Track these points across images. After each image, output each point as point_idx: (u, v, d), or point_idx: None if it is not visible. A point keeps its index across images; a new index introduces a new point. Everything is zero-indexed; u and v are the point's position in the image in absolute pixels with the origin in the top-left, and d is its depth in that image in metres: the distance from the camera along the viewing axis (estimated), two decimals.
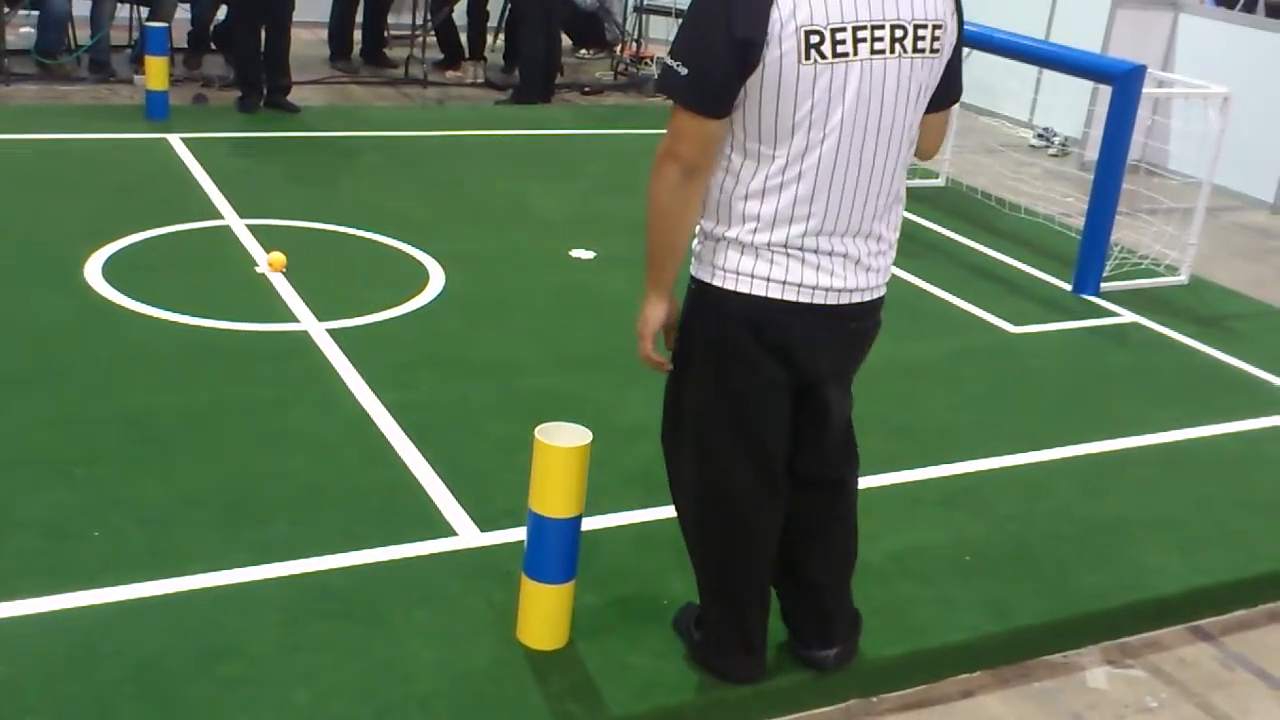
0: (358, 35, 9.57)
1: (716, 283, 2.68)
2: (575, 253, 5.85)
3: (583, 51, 10.82)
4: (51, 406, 4.01)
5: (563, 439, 2.87)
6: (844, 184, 2.59)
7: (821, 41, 2.45)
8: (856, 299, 2.71)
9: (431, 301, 5.13)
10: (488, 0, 9.87)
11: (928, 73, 2.60)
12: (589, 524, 3.12)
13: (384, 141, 7.52)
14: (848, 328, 2.75)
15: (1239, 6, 9.51)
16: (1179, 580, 3.71)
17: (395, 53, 9.64)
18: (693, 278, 2.76)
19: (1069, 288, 6.06)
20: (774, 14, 2.42)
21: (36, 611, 3.04)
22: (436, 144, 7.61)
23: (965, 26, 2.76)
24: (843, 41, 2.47)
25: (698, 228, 2.74)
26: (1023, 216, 6.97)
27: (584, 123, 8.59)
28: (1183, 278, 6.33)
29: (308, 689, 2.87)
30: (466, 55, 9.87)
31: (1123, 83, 5.70)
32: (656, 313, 2.77)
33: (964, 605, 3.45)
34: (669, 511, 3.71)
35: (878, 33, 2.50)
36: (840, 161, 2.57)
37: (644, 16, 10.72)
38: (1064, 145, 9.07)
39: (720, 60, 2.46)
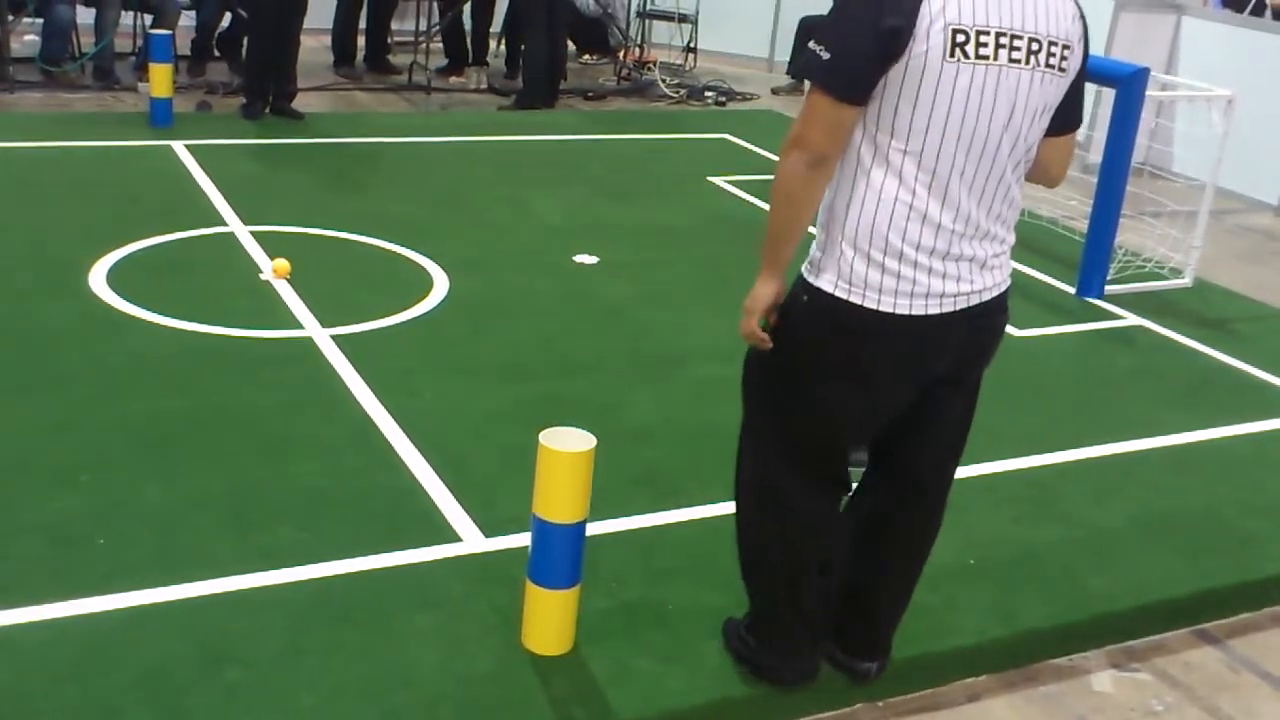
0: (361, 41, 9.59)
1: (840, 294, 2.66)
2: (579, 258, 5.86)
3: (586, 57, 10.83)
4: (56, 412, 4.01)
5: (567, 444, 2.87)
6: (970, 186, 2.61)
7: (966, 41, 2.49)
8: (986, 297, 2.73)
9: (435, 307, 5.13)
10: (494, 3, 9.89)
11: (1055, 90, 2.63)
12: (593, 529, 3.12)
13: (387, 147, 7.53)
14: (977, 325, 2.76)
15: (1248, 10, 9.50)
16: (1184, 583, 3.70)
17: (399, 59, 9.65)
18: (808, 284, 2.72)
19: (1073, 291, 6.06)
20: (924, 8, 2.46)
21: (42, 618, 3.04)
22: (440, 150, 7.62)
23: None
24: (985, 44, 2.50)
25: (820, 229, 2.73)
26: (1026, 220, 6.94)
27: (587, 128, 8.60)
28: (1187, 280, 6.33)
29: (313, 694, 2.87)
30: (470, 60, 9.89)
31: (1126, 86, 5.70)
32: (768, 291, 2.75)
33: (969, 609, 3.45)
34: (674, 516, 3.74)
35: (1016, 42, 2.53)
36: (970, 163, 2.59)
37: (647, 21, 10.73)
38: None
39: (864, 46, 2.48)
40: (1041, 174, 2.85)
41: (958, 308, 2.69)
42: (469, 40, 9.93)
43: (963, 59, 2.50)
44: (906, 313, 2.65)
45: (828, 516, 2.97)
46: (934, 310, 2.67)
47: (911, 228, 2.61)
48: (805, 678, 3.08)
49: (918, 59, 2.49)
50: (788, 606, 3.02)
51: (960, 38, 2.49)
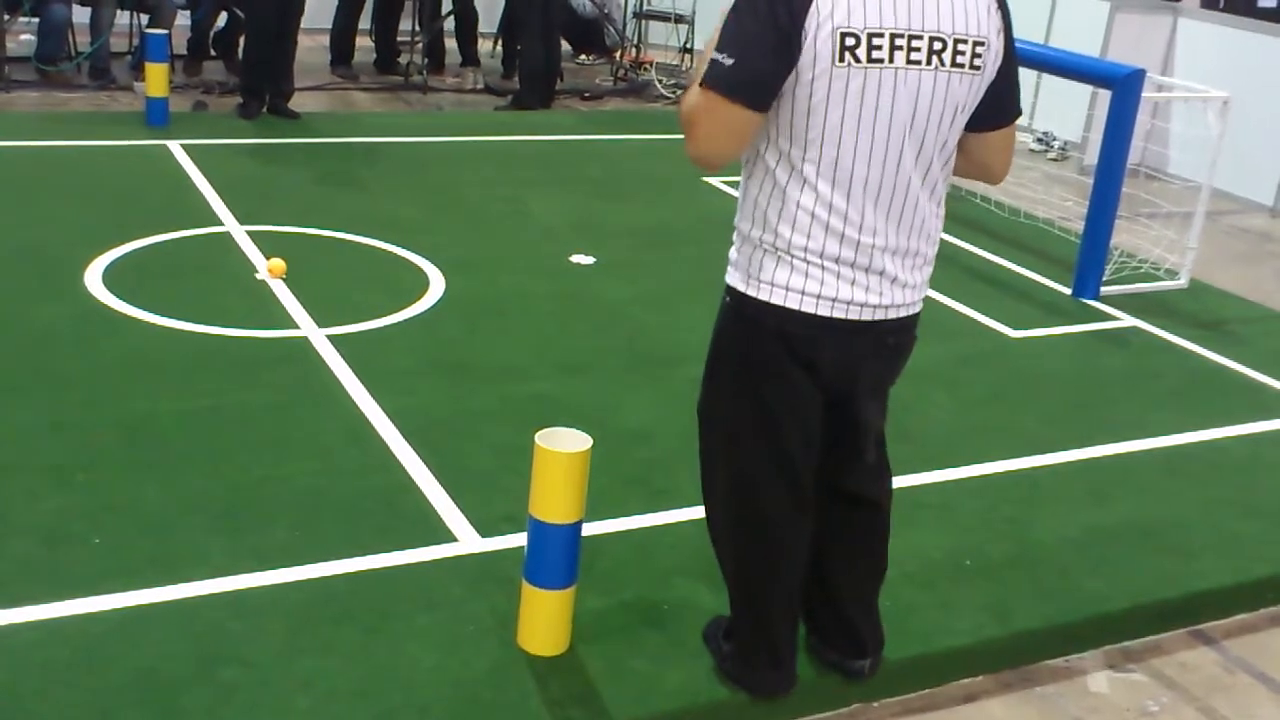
0: (359, 42, 9.57)
1: (751, 293, 2.67)
2: (575, 258, 5.85)
3: (582, 57, 10.83)
4: (51, 412, 4.01)
5: (563, 444, 2.87)
6: (878, 194, 2.57)
7: (857, 45, 2.43)
8: (893, 315, 2.70)
9: (431, 307, 5.13)
10: (472, 6, 9.87)
11: (966, 89, 2.56)
12: (589, 529, 3.12)
13: (384, 147, 7.53)
14: (885, 343, 2.74)
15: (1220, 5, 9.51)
16: (1180, 584, 3.70)
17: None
18: (728, 287, 2.75)
19: (1069, 292, 6.07)
20: (812, 10, 2.41)
21: (36, 618, 3.04)
22: (437, 150, 7.62)
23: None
24: (879, 47, 2.44)
25: (735, 232, 2.73)
26: (1022, 221, 6.97)
27: (584, 128, 8.60)
28: (1182, 281, 6.33)
29: (308, 695, 2.86)
30: (445, 62, 9.85)
31: (1122, 87, 5.71)
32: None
33: (965, 609, 3.45)
34: (670, 516, 3.74)
35: (915, 43, 2.46)
36: (873, 172, 2.54)
37: (643, 22, 10.74)
38: (1064, 149, 9.07)
39: (765, 49, 2.44)
40: (981, 171, 2.79)
41: (863, 318, 2.66)
42: (464, 44, 9.93)
43: (854, 63, 2.44)
44: (812, 311, 2.63)
45: (794, 535, 2.90)
46: (839, 314, 2.64)
47: (816, 235, 2.59)
48: (771, 691, 3.04)
49: (807, 66, 2.44)
50: (749, 620, 3.00)
51: (850, 41, 2.42)
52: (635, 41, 10.70)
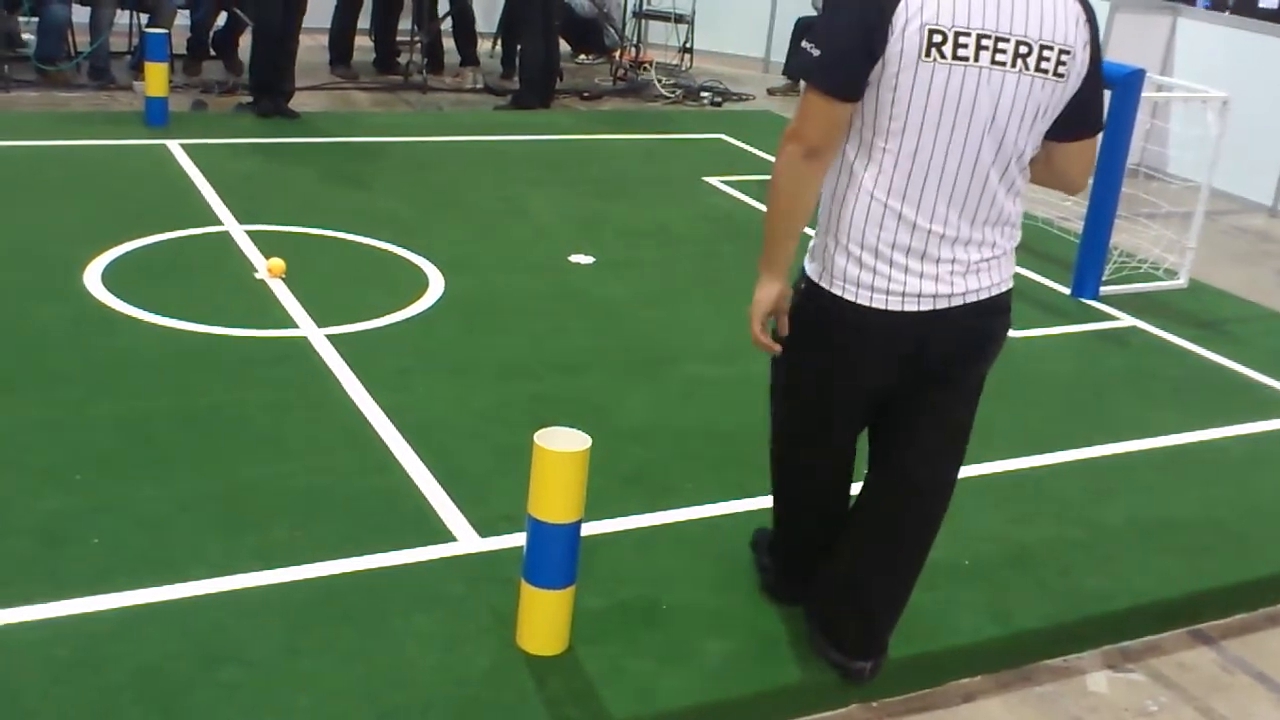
0: (358, 42, 9.57)
1: (824, 285, 2.75)
2: (574, 258, 5.85)
3: (581, 57, 10.83)
4: (50, 411, 4.01)
5: (562, 444, 2.87)
6: (953, 187, 2.63)
7: (944, 41, 2.51)
8: (970, 299, 2.74)
9: (430, 307, 5.13)
10: (471, 8, 9.86)
11: (1048, 95, 2.62)
12: (588, 529, 3.12)
13: (383, 147, 7.52)
14: (960, 326, 2.77)
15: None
16: (1179, 584, 3.71)
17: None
18: (802, 268, 2.85)
19: (1068, 291, 6.07)
20: (901, 7, 2.49)
21: (36, 618, 3.03)
22: (436, 149, 7.62)
23: None
24: (965, 45, 2.52)
25: (816, 221, 2.82)
26: (1022, 220, 6.96)
27: (583, 128, 8.60)
28: (1182, 281, 6.33)
29: (308, 694, 2.86)
30: (444, 62, 9.85)
31: (1122, 87, 5.70)
32: (767, 293, 2.80)
33: (965, 609, 3.45)
34: (669, 516, 3.75)
35: (1001, 44, 2.54)
36: (950, 164, 2.61)
37: (643, 22, 10.74)
38: None
39: (851, 43, 2.54)
40: (1060, 180, 2.87)
41: (937, 307, 2.71)
42: (463, 44, 9.93)
43: (939, 59, 2.51)
44: (883, 307, 2.70)
45: (817, 473, 3.09)
46: (910, 308, 2.70)
47: (888, 225, 2.65)
48: (784, 595, 3.29)
49: (894, 59, 2.52)
50: (783, 536, 3.28)
51: (937, 38, 2.50)
52: (634, 41, 10.70)
